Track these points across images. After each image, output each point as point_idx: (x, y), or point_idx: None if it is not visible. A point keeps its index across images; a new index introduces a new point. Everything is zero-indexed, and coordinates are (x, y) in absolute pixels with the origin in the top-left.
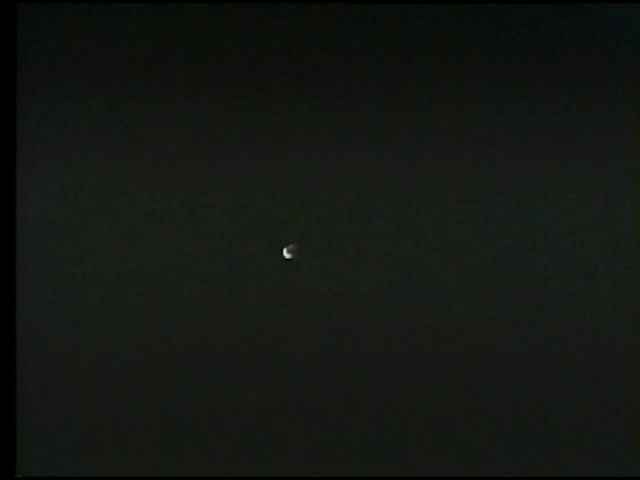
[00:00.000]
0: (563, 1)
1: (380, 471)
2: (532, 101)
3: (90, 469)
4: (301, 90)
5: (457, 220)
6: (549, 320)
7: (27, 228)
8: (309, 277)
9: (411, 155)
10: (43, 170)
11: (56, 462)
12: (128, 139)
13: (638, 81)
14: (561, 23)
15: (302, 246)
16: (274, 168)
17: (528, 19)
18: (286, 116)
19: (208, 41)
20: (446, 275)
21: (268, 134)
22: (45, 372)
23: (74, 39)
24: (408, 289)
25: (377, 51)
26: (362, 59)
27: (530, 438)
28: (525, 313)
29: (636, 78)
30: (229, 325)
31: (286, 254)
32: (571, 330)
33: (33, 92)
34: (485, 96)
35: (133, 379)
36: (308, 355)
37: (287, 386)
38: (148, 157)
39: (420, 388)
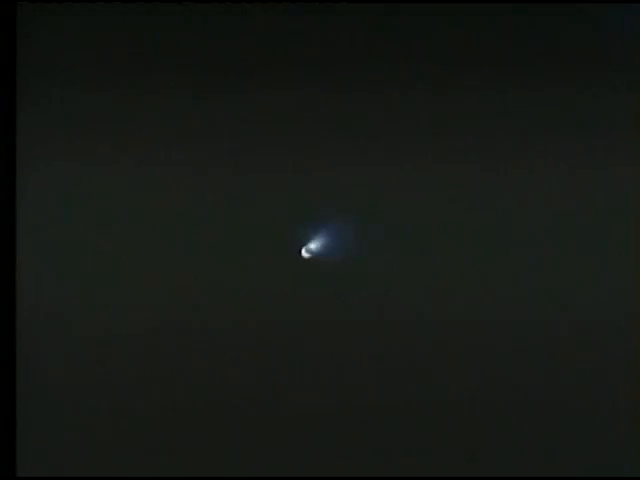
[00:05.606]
0: (563, 1)
1: (386, 471)
2: (532, 101)
3: (90, 469)
4: (302, 90)
5: (460, 220)
6: (549, 320)
7: (27, 228)
8: (317, 277)
9: (413, 155)
10: (43, 170)
11: (56, 462)
12: (128, 138)
13: (638, 81)
14: (561, 23)
15: (314, 245)
16: (275, 168)
17: (528, 19)
18: (288, 116)
19: (208, 41)
20: (447, 275)
21: (270, 134)
22: (45, 373)
23: (74, 39)
24: (409, 289)
25: (378, 51)
26: (363, 59)
27: (530, 438)
28: (525, 313)
29: (636, 78)
30: (232, 325)
31: (304, 253)
32: (571, 330)
33: (33, 92)
34: (484, 96)
35: (134, 380)
36: (312, 355)
37: (290, 386)
38: (148, 156)
39: (420, 387)
